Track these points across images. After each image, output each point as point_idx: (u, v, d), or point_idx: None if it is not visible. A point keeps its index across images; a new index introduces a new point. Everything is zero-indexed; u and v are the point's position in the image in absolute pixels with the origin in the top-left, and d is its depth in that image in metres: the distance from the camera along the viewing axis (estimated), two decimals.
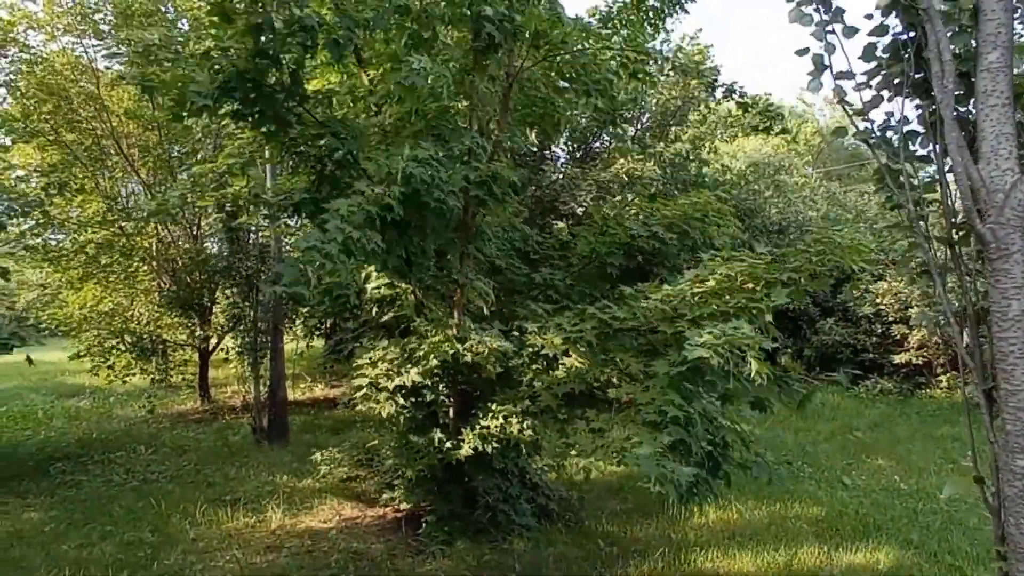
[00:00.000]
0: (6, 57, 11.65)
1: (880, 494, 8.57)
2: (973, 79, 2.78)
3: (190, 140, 13.21)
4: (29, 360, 9.00)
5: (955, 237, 3.00)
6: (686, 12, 8.07)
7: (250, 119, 5.64)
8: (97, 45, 12.88)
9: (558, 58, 6.52)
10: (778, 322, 4.82)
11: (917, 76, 3.03)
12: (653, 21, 7.94)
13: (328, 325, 16.16)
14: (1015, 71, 2.76)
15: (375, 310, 6.98)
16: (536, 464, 7.83)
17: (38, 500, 8.53)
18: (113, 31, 12.20)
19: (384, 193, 4.89)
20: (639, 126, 16.91)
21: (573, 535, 7.15)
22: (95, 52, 13.05)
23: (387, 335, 6.95)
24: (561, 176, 14.08)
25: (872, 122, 3.20)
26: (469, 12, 5.75)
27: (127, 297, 14.59)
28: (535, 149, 13.69)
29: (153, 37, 10.06)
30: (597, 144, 15.40)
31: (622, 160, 13.54)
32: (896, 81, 3.10)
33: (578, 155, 15.43)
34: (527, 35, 6.00)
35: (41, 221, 12.26)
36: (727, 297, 4.77)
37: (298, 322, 15.51)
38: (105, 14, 12.42)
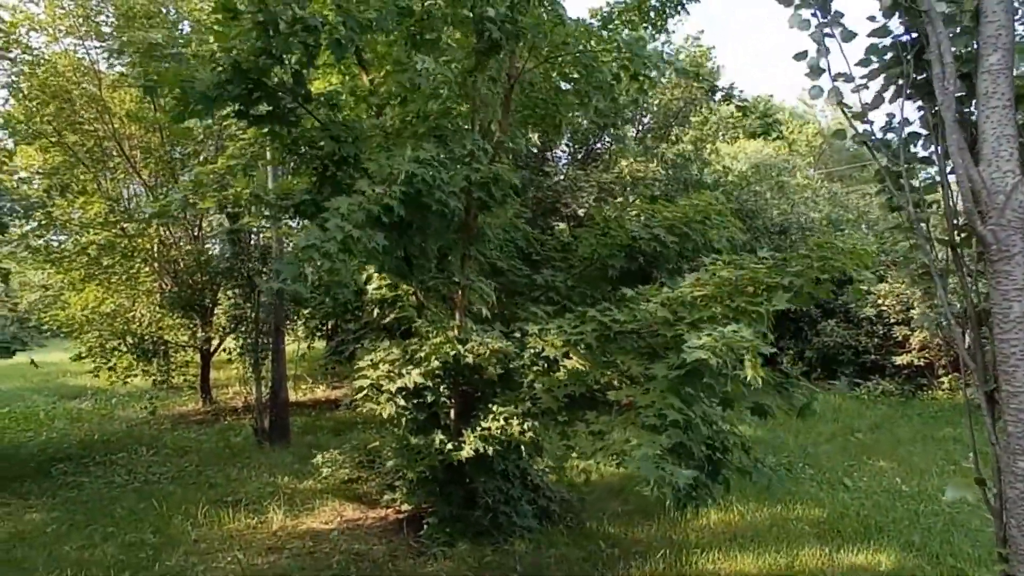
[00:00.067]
0: (9, 59, 11.65)
1: (881, 496, 8.56)
2: (974, 81, 2.78)
3: (192, 142, 13.22)
4: (33, 363, 9.01)
5: (956, 239, 2.99)
6: (687, 12, 8.08)
7: (253, 118, 5.66)
8: (99, 47, 12.92)
9: (560, 59, 6.52)
10: (779, 323, 4.82)
11: (919, 78, 3.02)
12: (654, 21, 7.96)
13: (329, 326, 16.15)
14: (1016, 73, 2.76)
15: (376, 311, 6.99)
16: (537, 466, 7.83)
17: (40, 501, 8.54)
18: (115, 33, 12.21)
19: (385, 193, 4.89)
20: (640, 127, 16.91)
21: (574, 536, 7.15)
22: (97, 54, 13.09)
23: (388, 336, 6.96)
24: (563, 178, 14.08)
25: (871, 124, 3.20)
26: (471, 14, 5.76)
27: (129, 298, 14.60)
28: (536, 150, 13.69)
29: (157, 37, 10.08)
30: (599, 145, 15.40)
31: (624, 161, 13.55)
32: (897, 83, 3.10)
33: (579, 156, 15.43)
34: (529, 36, 6.00)
35: (43, 222, 12.29)
36: (727, 301, 4.76)
37: (300, 323, 15.52)
38: (107, 16, 12.45)
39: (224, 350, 15.44)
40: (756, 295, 4.72)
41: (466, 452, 6.13)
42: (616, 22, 7.57)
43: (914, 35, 3.02)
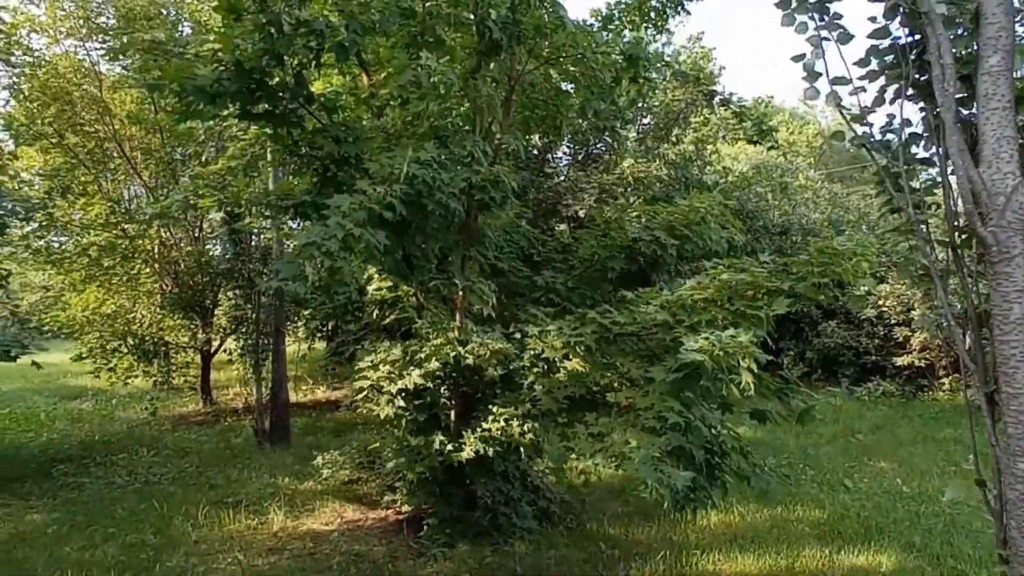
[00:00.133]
0: (11, 62, 11.66)
1: (882, 497, 8.56)
2: (975, 82, 2.78)
3: (193, 143, 13.23)
4: (35, 364, 9.02)
5: (957, 240, 2.99)
6: (687, 12, 8.09)
7: (254, 118, 5.66)
8: (100, 48, 12.93)
9: (560, 61, 6.53)
10: (780, 324, 4.82)
11: (920, 79, 3.02)
12: (655, 22, 7.96)
13: (330, 327, 16.16)
14: (1016, 75, 2.76)
15: (376, 312, 6.99)
16: (537, 467, 7.83)
17: (40, 502, 8.54)
18: (113, 34, 12.23)
19: (386, 192, 4.89)
20: (640, 128, 16.90)
21: (574, 538, 7.15)
22: (98, 55, 13.11)
23: (389, 337, 6.96)
24: (563, 179, 14.07)
25: (870, 126, 3.20)
26: (472, 15, 5.77)
27: (129, 299, 14.62)
28: (536, 152, 13.68)
29: (160, 35, 10.09)
30: (600, 144, 15.39)
31: (625, 163, 13.54)
32: (897, 85, 3.10)
33: (579, 158, 15.42)
34: (530, 38, 6.01)
35: (44, 223, 12.30)
36: (727, 304, 4.76)
37: (300, 324, 15.53)
38: (108, 18, 12.46)
39: (224, 351, 15.45)
40: (756, 299, 4.71)
41: (466, 453, 6.13)
42: (617, 23, 7.58)
43: (916, 36, 3.02)
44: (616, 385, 5.36)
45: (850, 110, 3.18)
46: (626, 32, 7.66)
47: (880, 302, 15.40)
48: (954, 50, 2.82)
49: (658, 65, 6.46)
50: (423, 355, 6.05)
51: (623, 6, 7.57)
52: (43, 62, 12.41)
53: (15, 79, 12.20)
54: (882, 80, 3.16)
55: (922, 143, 3.14)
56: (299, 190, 6.17)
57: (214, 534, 7.39)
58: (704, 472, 4.58)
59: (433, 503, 7.13)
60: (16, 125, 12.14)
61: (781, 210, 18.21)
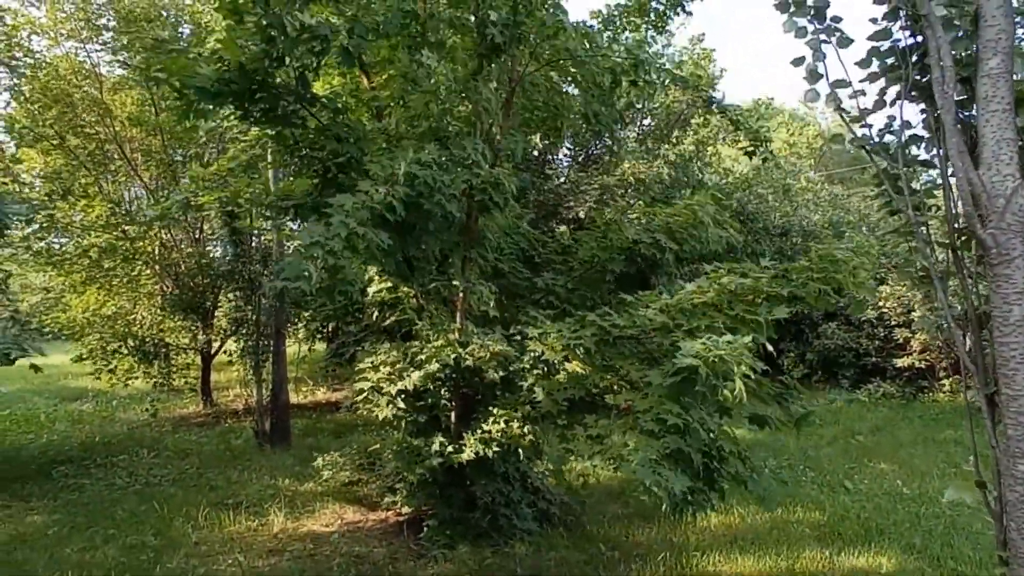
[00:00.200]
0: (11, 64, 11.68)
1: (882, 498, 8.55)
2: (974, 84, 2.79)
3: (194, 144, 13.25)
4: (35, 368, 9.01)
5: (957, 242, 3.00)
6: (688, 13, 8.09)
7: (255, 118, 5.67)
8: (100, 50, 12.95)
9: (561, 63, 6.53)
10: (780, 325, 4.81)
11: (921, 81, 3.03)
12: (656, 23, 7.96)
13: (330, 328, 16.17)
14: (1016, 77, 2.76)
15: (377, 314, 7.00)
16: (537, 469, 7.83)
17: (41, 503, 8.54)
18: (115, 36, 12.26)
19: (388, 192, 4.90)
20: (641, 129, 16.92)
21: (574, 539, 7.15)
22: (98, 57, 13.13)
23: (389, 339, 6.97)
24: (564, 180, 14.08)
25: (870, 128, 3.21)
26: (473, 17, 5.78)
27: (130, 301, 14.62)
28: (537, 153, 13.69)
29: (163, 33, 10.11)
30: (600, 146, 15.39)
31: (626, 163, 13.54)
32: (898, 87, 3.11)
33: (580, 159, 15.43)
34: (531, 40, 6.01)
35: (45, 225, 12.30)
36: (727, 309, 4.76)
37: (300, 326, 15.53)
38: (108, 20, 12.47)
39: (225, 352, 15.45)
40: (756, 304, 4.71)
41: (466, 455, 6.14)
42: (617, 24, 7.58)
43: (918, 39, 3.02)
44: (615, 387, 5.36)
45: (850, 113, 3.19)
46: (627, 34, 7.66)
47: (880, 303, 15.39)
48: (954, 52, 2.83)
49: (658, 69, 6.45)
50: (423, 357, 6.06)
51: (623, 7, 7.56)
52: (44, 64, 12.43)
53: (16, 81, 12.21)
54: (882, 82, 3.17)
55: (923, 145, 3.15)
56: (300, 191, 6.18)
57: (214, 535, 7.39)
58: (702, 476, 4.58)
59: (433, 505, 7.13)
60: (18, 127, 12.15)
61: (782, 211, 18.20)
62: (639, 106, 15.13)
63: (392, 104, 6.52)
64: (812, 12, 3.16)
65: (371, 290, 6.83)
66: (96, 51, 13.13)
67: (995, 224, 2.62)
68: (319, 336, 17.06)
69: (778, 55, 67.88)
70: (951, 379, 14.97)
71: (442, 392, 6.57)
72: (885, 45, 3.13)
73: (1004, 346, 2.65)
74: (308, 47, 5.05)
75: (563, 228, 12.63)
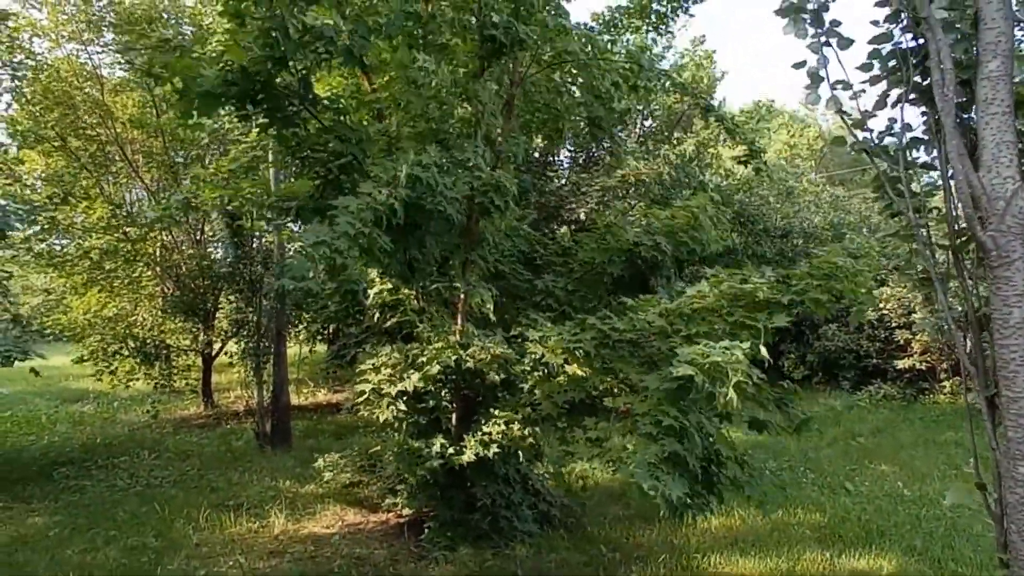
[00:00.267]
0: (13, 66, 11.69)
1: (883, 500, 8.55)
2: (974, 87, 2.79)
3: (195, 146, 13.27)
4: (34, 371, 9.02)
5: (957, 243, 3.00)
6: (690, 15, 8.11)
7: (258, 120, 5.69)
8: (101, 51, 12.97)
9: (563, 65, 6.55)
10: (781, 328, 4.80)
11: (922, 83, 3.04)
12: (657, 25, 7.98)
13: (331, 330, 16.18)
14: (1015, 79, 2.77)
15: (378, 316, 7.00)
16: (538, 471, 7.83)
17: (42, 505, 8.55)
18: (116, 37, 12.28)
19: (391, 194, 4.91)
20: (642, 130, 16.91)
21: (575, 541, 7.15)
22: (100, 59, 13.15)
23: (390, 341, 6.96)
24: (565, 182, 14.07)
25: (871, 131, 3.21)
26: (475, 19, 5.79)
27: (131, 302, 14.63)
28: (537, 155, 13.69)
29: (168, 32, 10.12)
30: (603, 146, 15.38)
31: (628, 164, 13.53)
32: (899, 89, 3.11)
33: (581, 161, 15.43)
34: (532, 42, 6.02)
35: (46, 226, 12.31)
36: (726, 315, 4.75)
37: (301, 327, 15.53)
38: (109, 17, 12.48)
39: (225, 354, 15.45)
40: (756, 310, 4.70)
41: (467, 456, 6.14)
42: (620, 27, 7.59)
43: (919, 41, 3.03)
44: (615, 390, 5.36)
45: (850, 115, 3.20)
46: (627, 36, 7.68)
47: (881, 305, 15.39)
48: (954, 55, 2.84)
49: (658, 75, 6.47)
50: (424, 358, 6.06)
51: (624, 9, 7.58)
52: (45, 66, 12.44)
53: (17, 83, 12.22)
54: (884, 85, 3.17)
55: (923, 147, 3.15)
56: (301, 193, 6.19)
57: (215, 537, 7.39)
58: (701, 480, 4.59)
59: (434, 506, 7.14)
60: (21, 130, 12.17)
61: (783, 213, 18.19)
62: (639, 107, 15.13)
63: (392, 106, 6.53)
64: (813, 16, 3.17)
65: (372, 292, 6.83)
66: (97, 53, 13.16)
67: (995, 226, 2.63)
68: (320, 338, 17.06)
69: (778, 55, 67.95)
70: (952, 381, 14.96)
71: (443, 394, 6.57)
72: (887, 48, 3.14)
73: (1004, 348, 2.66)
74: (311, 49, 5.07)
75: (564, 230, 12.64)
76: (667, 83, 6.94)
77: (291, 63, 5.29)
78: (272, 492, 8.89)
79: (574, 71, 6.55)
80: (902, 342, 15.39)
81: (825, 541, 7.19)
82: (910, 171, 3.16)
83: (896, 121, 3.15)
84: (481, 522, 6.91)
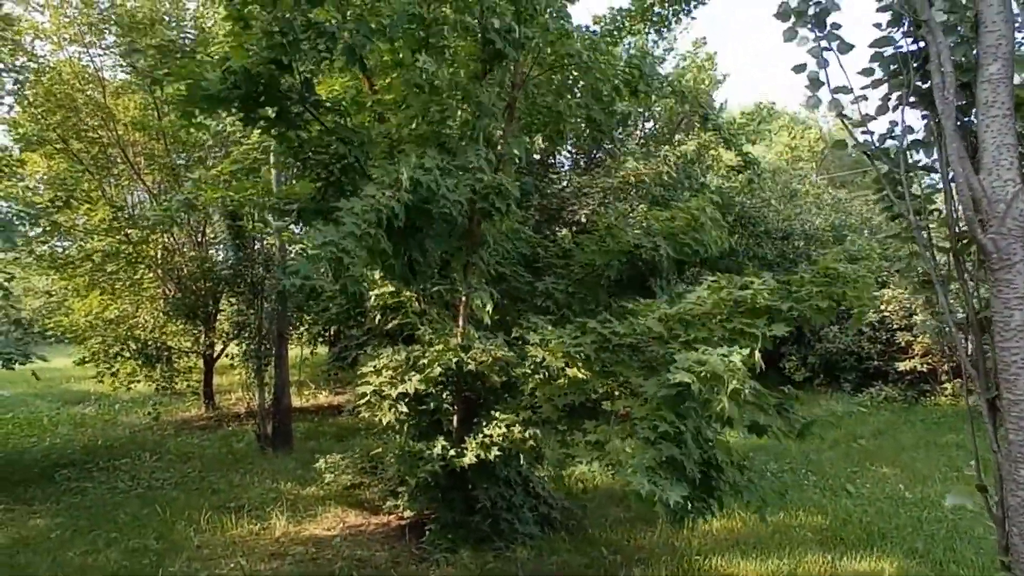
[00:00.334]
0: (17, 69, 11.71)
1: (884, 502, 8.54)
2: (975, 90, 2.79)
3: (197, 148, 13.28)
4: (35, 375, 9.03)
5: (958, 246, 3.00)
6: (692, 18, 8.13)
7: (260, 122, 5.71)
8: (103, 54, 13.00)
9: (564, 68, 6.55)
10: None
11: (923, 86, 3.04)
12: (658, 28, 7.99)
13: (332, 332, 16.19)
14: (1016, 82, 2.77)
15: (379, 318, 7.00)
16: (539, 473, 7.83)
17: (44, 507, 8.55)
18: (117, 41, 12.30)
19: (394, 196, 4.93)
20: (643, 132, 16.92)
21: (576, 543, 7.15)
22: (101, 61, 13.17)
23: (391, 343, 6.97)
24: (567, 184, 14.07)
25: (872, 134, 3.21)
26: (478, 23, 5.80)
27: (132, 304, 14.64)
28: (538, 157, 13.69)
29: (172, 34, 10.13)
30: (603, 147, 15.38)
31: (628, 164, 13.52)
32: (898, 93, 3.11)
33: (582, 163, 15.44)
34: (533, 46, 6.04)
35: (48, 228, 12.33)
36: (725, 321, 4.74)
37: (302, 329, 15.54)
38: (111, 16, 12.50)
39: (227, 356, 15.47)
40: (755, 316, 4.69)
41: (468, 459, 6.14)
42: (622, 29, 7.60)
43: (920, 45, 3.03)
44: (616, 393, 5.36)
45: (851, 119, 3.20)
46: (629, 39, 7.70)
47: (882, 307, 15.38)
48: (955, 58, 2.84)
49: (659, 83, 6.50)
50: (425, 361, 6.07)
51: (626, 12, 7.59)
52: (47, 68, 12.46)
53: (19, 85, 12.24)
54: (885, 88, 3.18)
55: (924, 150, 3.16)
56: (303, 195, 6.20)
57: (216, 539, 7.40)
58: (700, 485, 4.59)
59: (435, 508, 7.14)
60: (23, 133, 12.19)
61: (784, 215, 18.19)
62: (641, 110, 15.14)
63: (394, 108, 6.54)
64: (813, 20, 3.17)
65: (373, 294, 6.84)
66: (99, 55, 13.19)
67: (996, 229, 2.63)
68: (321, 340, 17.08)
69: (778, 55, 67.90)
70: (953, 383, 14.94)
71: (444, 396, 6.58)
72: (887, 51, 3.14)
73: (1005, 351, 2.66)
74: (313, 45, 5.09)
75: (565, 231, 12.64)
76: (667, 90, 6.96)
77: (294, 64, 5.31)
78: (273, 494, 8.89)
79: (575, 74, 6.55)
80: (903, 344, 15.37)
81: (827, 543, 7.18)
82: (911, 174, 3.16)
83: (897, 124, 3.15)
84: (482, 524, 6.91)
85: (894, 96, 3.16)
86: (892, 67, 3.14)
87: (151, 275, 14.23)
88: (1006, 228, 2.61)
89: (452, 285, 6.61)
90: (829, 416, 13.59)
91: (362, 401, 6.47)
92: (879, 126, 3.41)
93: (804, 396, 5.36)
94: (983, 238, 2.66)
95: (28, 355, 8.71)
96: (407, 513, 7.51)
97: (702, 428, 4.57)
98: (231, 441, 12.08)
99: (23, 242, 12.16)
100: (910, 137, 3.15)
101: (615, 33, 7.61)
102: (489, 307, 6.10)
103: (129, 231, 13.24)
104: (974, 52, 2.83)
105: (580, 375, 5.53)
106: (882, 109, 3.19)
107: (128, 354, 14.60)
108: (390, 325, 6.82)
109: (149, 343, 14.56)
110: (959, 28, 2.88)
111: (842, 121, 3.21)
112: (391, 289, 6.79)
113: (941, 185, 3.10)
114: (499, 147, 6.60)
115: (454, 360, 5.94)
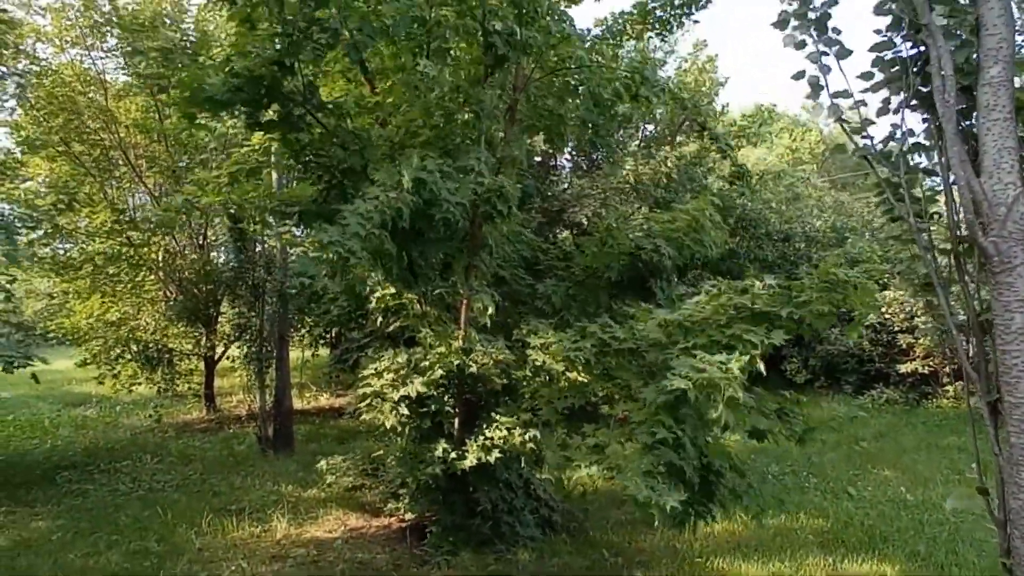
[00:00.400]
0: (20, 72, 11.74)
1: (886, 505, 8.54)
2: (976, 93, 2.80)
3: (199, 151, 13.29)
4: (35, 378, 9.04)
5: (959, 249, 3.01)
6: (695, 22, 8.12)
7: (263, 124, 5.72)
8: (104, 57, 13.02)
9: (566, 71, 6.56)
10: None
11: (924, 90, 3.04)
12: (660, 32, 8.00)
13: (333, 334, 16.19)
14: (1017, 85, 2.77)
15: (380, 320, 7.01)
16: (540, 476, 7.83)
17: (45, 509, 8.56)
18: (119, 44, 12.33)
19: (397, 199, 4.95)
20: (644, 134, 16.94)
21: (577, 545, 7.15)
22: (103, 64, 13.19)
23: (392, 345, 6.97)
24: (568, 186, 14.09)
25: (871, 138, 3.22)
26: (480, 26, 5.81)
27: (133, 307, 14.65)
28: (539, 160, 13.70)
29: (175, 36, 10.15)
30: (604, 149, 15.40)
31: (628, 165, 13.54)
32: (898, 97, 3.12)
33: (584, 166, 15.45)
34: (535, 49, 6.04)
35: (50, 231, 12.34)
36: (724, 328, 4.74)
37: (304, 331, 15.54)
38: (111, 29, 12.53)
39: (228, 358, 15.47)
40: (755, 323, 4.69)
41: (469, 461, 6.14)
42: (624, 33, 7.61)
43: (920, 48, 3.04)
44: (615, 397, 5.36)
45: (850, 123, 3.20)
46: (630, 43, 7.71)
47: (883, 309, 15.37)
48: (955, 61, 2.84)
49: (660, 90, 6.52)
50: (427, 363, 6.07)
51: (627, 15, 7.59)
52: (49, 71, 12.49)
53: (21, 88, 12.27)
54: (885, 91, 3.18)
55: (925, 153, 3.16)
56: (305, 197, 6.22)
57: (218, 541, 7.40)
58: (700, 490, 4.59)
59: (436, 511, 7.14)
60: (25, 135, 12.21)
61: (785, 217, 18.19)
62: (642, 111, 15.15)
63: (395, 111, 6.55)
64: (812, 25, 3.18)
65: (375, 296, 6.85)
66: (101, 58, 13.20)
67: (997, 232, 2.63)
68: (322, 342, 17.07)
69: (778, 54, 67.81)
70: (955, 385, 14.92)
71: (446, 399, 6.58)
72: (888, 55, 3.14)
73: (1006, 354, 2.66)
74: (316, 41, 5.11)
75: (566, 234, 12.65)
76: (667, 96, 6.97)
77: (297, 66, 5.33)
78: (274, 496, 8.89)
79: (576, 78, 6.56)
80: (905, 346, 15.36)
81: (828, 546, 7.18)
82: (911, 176, 3.16)
83: (898, 128, 3.16)
84: (483, 527, 6.91)
85: (894, 100, 3.17)
86: (893, 70, 3.15)
87: (152, 277, 14.24)
88: (1007, 231, 2.61)
89: (453, 288, 6.62)
90: (831, 421, 13.57)
91: (363, 403, 6.47)
92: (879, 130, 3.42)
93: (805, 400, 5.32)
94: (984, 241, 2.67)
95: (30, 357, 8.71)
96: (408, 515, 7.51)
97: (701, 433, 4.57)
98: (232, 443, 12.08)
99: (25, 244, 12.18)
100: (911, 140, 3.15)
101: (616, 37, 7.61)
102: (491, 309, 6.11)
103: (131, 234, 13.26)
104: (975, 55, 2.83)
105: (580, 379, 5.53)
106: (882, 112, 3.20)
107: (129, 356, 14.60)
108: (391, 327, 6.82)
109: (150, 345, 14.56)
110: (959, 31, 2.88)
111: (842, 126, 3.22)
112: (392, 291, 6.80)
113: (942, 188, 3.10)
114: (500, 149, 6.61)
115: (456, 363, 5.94)
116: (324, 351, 17.97)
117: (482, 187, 5.76)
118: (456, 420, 6.81)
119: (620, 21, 7.59)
